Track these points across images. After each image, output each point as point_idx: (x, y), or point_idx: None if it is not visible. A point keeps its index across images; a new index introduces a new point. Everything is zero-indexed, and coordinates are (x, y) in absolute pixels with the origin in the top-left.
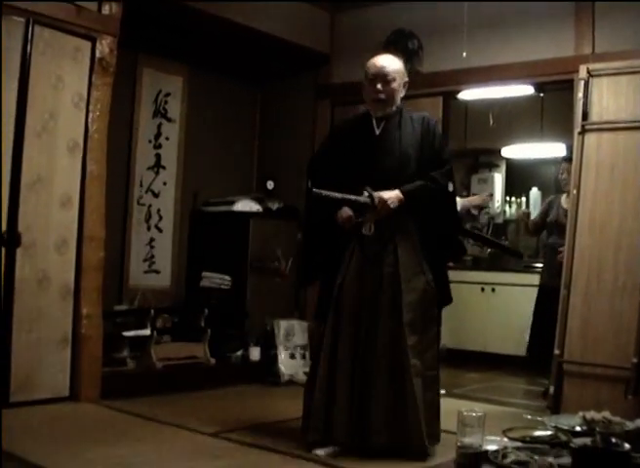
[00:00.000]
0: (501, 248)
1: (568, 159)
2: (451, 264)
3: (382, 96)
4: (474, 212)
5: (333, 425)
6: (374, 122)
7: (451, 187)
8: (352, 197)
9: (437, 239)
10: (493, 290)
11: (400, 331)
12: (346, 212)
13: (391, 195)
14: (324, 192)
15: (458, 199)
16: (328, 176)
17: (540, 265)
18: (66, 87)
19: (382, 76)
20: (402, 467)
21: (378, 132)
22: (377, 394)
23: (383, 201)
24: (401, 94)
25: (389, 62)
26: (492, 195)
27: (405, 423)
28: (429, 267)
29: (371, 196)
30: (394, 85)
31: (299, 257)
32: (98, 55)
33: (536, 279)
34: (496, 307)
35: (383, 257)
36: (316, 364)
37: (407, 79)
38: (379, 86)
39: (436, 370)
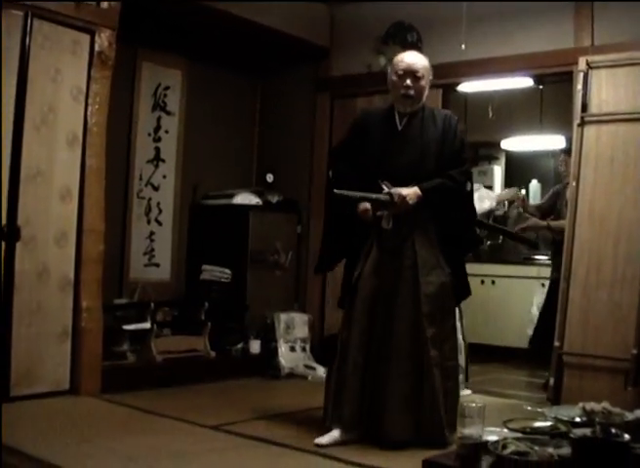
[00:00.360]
0: (517, 238)
1: (567, 151)
2: None
3: (412, 92)
4: (504, 205)
5: (342, 415)
6: (396, 117)
7: (469, 187)
8: (373, 195)
9: (454, 234)
10: (493, 282)
11: (419, 322)
12: (366, 206)
13: (410, 192)
14: (344, 193)
15: (490, 193)
16: (349, 168)
17: (540, 257)
18: (65, 80)
19: (412, 72)
20: (405, 456)
21: (400, 127)
22: (393, 385)
23: (402, 197)
24: (427, 91)
25: (419, 59)
26: (520, 190)
27: (423, 413)
28: (447, 261)
29: (390, 193)
30: (423, 82)
31: (321, 246)
32: (97, 48)
33: (535, 271)
34: (495, 299)
35: (402, 251)
36: (336, 354)
37: (432, 77)
38: (408, 82)
39: (455, 360)
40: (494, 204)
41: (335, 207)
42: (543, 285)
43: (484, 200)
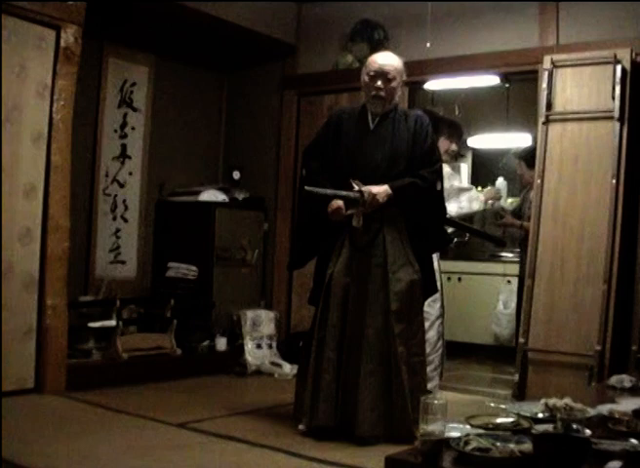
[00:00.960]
0: (486, 236)
1: (522, 156)
2: None
3: (382, 93)
4: (489, 204)
5: (317, 412)
6: (369, 116)
7: (439, 186)
8: (343, 193)
9: (424, 232)
10: (459, 279)
11: (387, 319)
12: (337, 204)
13: (380, 190)
14: (315, 189)
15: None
16: (321, 167)
17: (506, 255)
18: (30, 76)
19: (384, 74)
20: (372, 453)
21: (372, 126)
22: (363, 382)
23: (373, 195)
24: (399, 92)
25: (391, 61)
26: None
27: (392, 409)
28: (416, 258)
29: (360, 191)
30: (394, 83)
31: (293, 244)
32: (62, 44)
33: (500, 268)
34: (462, 296)
35: (372, 249)
36: (308, 352)
37: (405, 77)
38: (379, 83)
39: (422, 355)
40: (482, 205)
41: (307, 204)
42: (509, 282)
43: (473, 201)
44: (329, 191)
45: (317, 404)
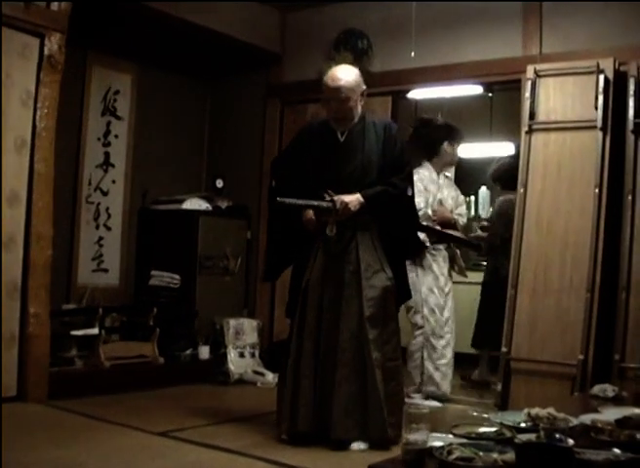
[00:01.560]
0: (465, 243)
1: (495, 179)
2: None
3: (339, 115)
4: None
5: (297, 418)
6: (337, 129)
7: (410, 192)
8: (315, 202)
9: (397, 238)
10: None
11: (362, 325)
12: (310, 214)
13: (352, 199)
14: (287, 200)
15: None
16: (292, 178)
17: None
18: (14, 84)
19: (337, 97)
20: (351, 461)
21: (342, 139)
22: (338, 387)
23: (345, 204)
24: (360, 103)
25: (342, 81)
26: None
27: (367, 414)
28: (389, 265)
29: (332, 200)
30: (350, 103)
31: (266, 255)
32: (46, 52)
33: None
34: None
35: (346, 256)
36: (287, 358)
37: (364, 87)
38: (334, 105)
39: (397, 360)
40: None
41: (278, 215)
42: None
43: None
44: (300, 201)
45: (297, 410)
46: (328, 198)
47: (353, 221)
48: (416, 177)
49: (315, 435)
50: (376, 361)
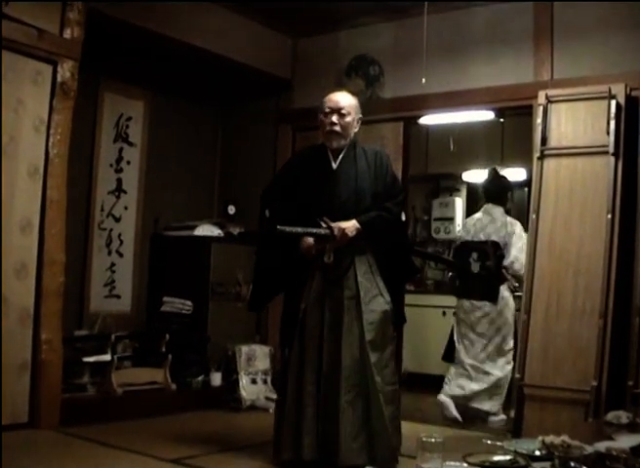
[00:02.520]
0: (447, 263)
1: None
2: (412, 288)
3: (337, 128)
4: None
5: (302, 446)
6: (330, 155)
7: (403, 217)
8: (314, 230)
9: (392, 262)
10: (454, 314)
11: (363, 349)
12: (309, 241)
13: (349, 225)
14: (287, 228)
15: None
16: (285, 207)
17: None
18: (27, 110)
19: (338, 109)
20: None
21: (335, 166)
22: (343, 413)
23: (342, 230)
24: (355, 129)
25: (345, 97)
26: None
27: (373, 437)
28: (387, 289)
29: (330, 227)
30: (348, 119)
31: (253, 284)
32: (59, 79)
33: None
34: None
35: (344, 282)
36: (284, 387)
37: (361, 115)
38: (334, 118)
39: (395, 384)
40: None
41: (272, 243)
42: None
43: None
44: (300, 229)
45: (300, 438)
46: (325, 225)
47: (351, 247)
48: (519, 229)
49: (319, 463)
50: (378, 385)
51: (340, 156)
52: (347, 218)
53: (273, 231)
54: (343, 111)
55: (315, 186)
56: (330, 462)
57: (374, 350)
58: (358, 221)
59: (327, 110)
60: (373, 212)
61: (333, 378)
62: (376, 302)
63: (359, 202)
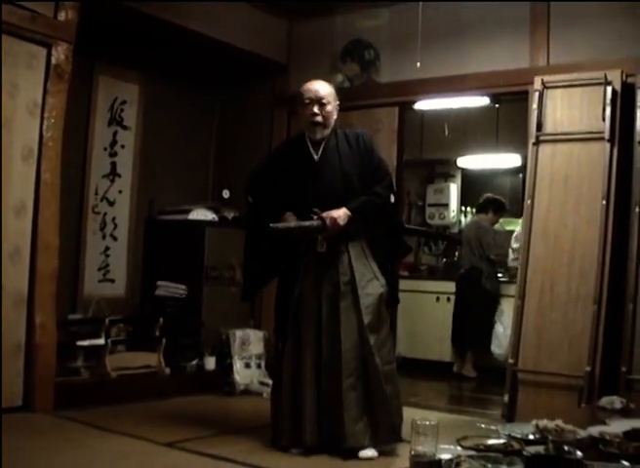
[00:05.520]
0: (442, 237)
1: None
2: (406, 274)
3: (319, 118)
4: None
5: (302, 431)
6: (310, 147)
7: (392, 199)
8: (306, 223)
9: (384, 243)
10: (448, 299)
11: (362, 333)
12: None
13: (340, 213)
14: (280, 225)
15: None
16: (270, 196)
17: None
18: (21, 94)
19: (318, 99)
20: None
21: (317, 157)
22: (346, 396)
23: (334, 219)
24: (334, 116)
25: (323, 87)
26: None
27: (375, 417)
28: (381, 271)
29: (321, 218)
30: (329, 108)
31: (244, 273)
32: (53, 61)
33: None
34: (450, 316)
35: (339, 268)
36: (280, 374)
37: (338, 102)
38: (315, 109)
39: (393, 363)
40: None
41: (262, 233)
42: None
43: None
44: (292, 224)
45: (301, 425)
46: (315, 217)
47: (343, 234)
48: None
49: (320, 447)
50: (378, 365)
51: (322, 146)
52: (338, 205)
53: (266, 230)
54: (324, 101)
55: (298, 180)
56: (331, 446)
57: (372, 332)
58: (348, 208)
59: (307, 101)
60: (362, 197)
61: (333, 363)
62: (371, 286)
63: (347, 189)
